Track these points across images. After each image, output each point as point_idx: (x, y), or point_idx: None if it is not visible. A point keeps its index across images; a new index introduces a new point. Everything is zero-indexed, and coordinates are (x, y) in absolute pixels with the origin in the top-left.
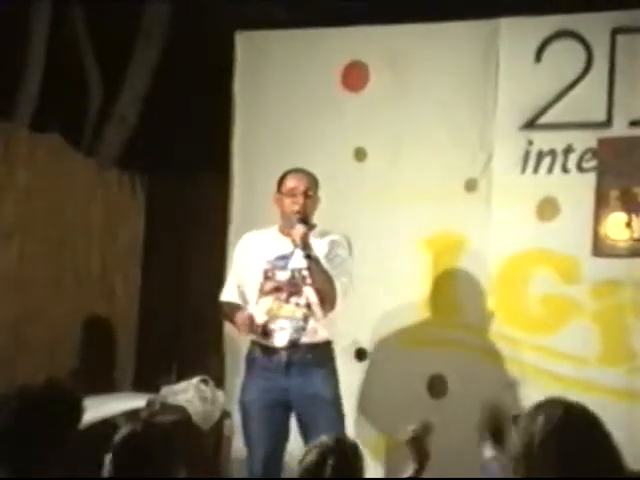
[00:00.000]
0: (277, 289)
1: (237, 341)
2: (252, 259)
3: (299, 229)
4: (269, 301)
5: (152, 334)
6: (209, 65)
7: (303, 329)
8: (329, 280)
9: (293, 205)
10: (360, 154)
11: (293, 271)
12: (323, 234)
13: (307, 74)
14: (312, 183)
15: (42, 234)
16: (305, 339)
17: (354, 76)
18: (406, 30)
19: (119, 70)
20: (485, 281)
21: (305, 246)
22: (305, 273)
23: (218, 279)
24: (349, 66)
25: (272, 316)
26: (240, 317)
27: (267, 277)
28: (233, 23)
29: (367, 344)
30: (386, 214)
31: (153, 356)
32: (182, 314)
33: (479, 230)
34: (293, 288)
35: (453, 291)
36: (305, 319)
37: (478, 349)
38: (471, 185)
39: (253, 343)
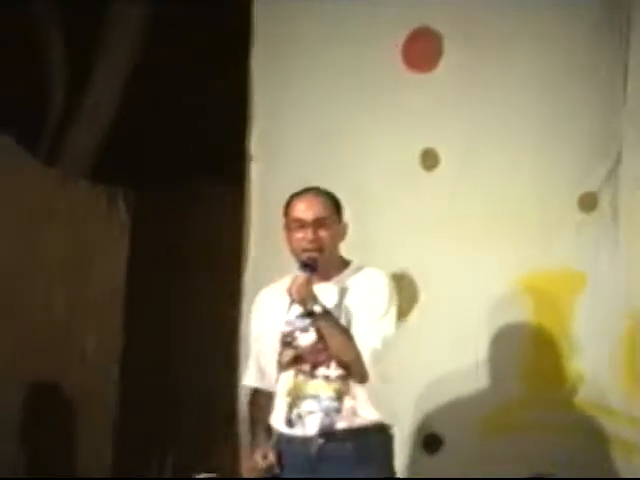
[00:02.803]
0: (298, 359)
1: None
2: (268, 322)
3: (297, 277)
4: (290, 377)
5: (138, 412)
6: (213, 39)
7: (337, 411)
8: (350, 343)
9: (301, 241)
10: (430, 159)
11: (318, 332)
12: (356, 271)
13: (354, 50)
14: (328, 208)
15: None
16: (342, 424)
17: (422, 49)
18: None
19: (89, 51)
20: (614, 339)
21: (305, 300)
22: None
23: (230, 334)
24: (414, 35)
25: (295, 397)
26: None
27: (285, 343)
28: None
29: (442, 429)
30: (467, 244)
31: (139, 442)
32: (180, 384)
33: (602, 265)
34: (318, 356)
35: (567, 354)
36: (339, 397)
37: (602, 439)
38: (589, 202)
39: (276, 435)
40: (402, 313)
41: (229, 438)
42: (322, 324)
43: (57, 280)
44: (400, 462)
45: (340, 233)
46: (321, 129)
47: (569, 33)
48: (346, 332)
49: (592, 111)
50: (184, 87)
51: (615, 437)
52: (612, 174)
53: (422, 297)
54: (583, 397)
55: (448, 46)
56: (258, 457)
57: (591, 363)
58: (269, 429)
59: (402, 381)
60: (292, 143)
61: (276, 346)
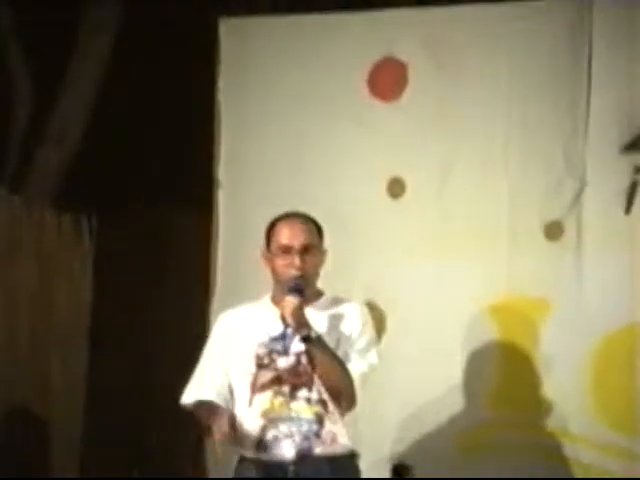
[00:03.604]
0: (277, 380)
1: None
2: (237, 343)
3: (289, 302)
4: (266, 398)
5: (103, 433)
6: (180, 60)
7: (317, 435)
8: (341, 369)
9: (287, 268)
10: (396, 187)
11: (298, 355)
12: (332, 302)
13: (321, 74)
14: (312, 234)
15: None
16: (319, 449)
17: (387, 79)
18: (457, 13)
19: (55, 70)
20: (578, 365)
21: (300, 325)
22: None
23: (193, 360)
24: (380, 65)
25: (272, 419)
26: (218, 423)
27: (262, 365)
28: (215, 6)
29: (411, 456)
30: (433, 272)
31: (104, 463)
32: (145, 407)
33: (567, 293)
34: (299, 378)
35: (532, 378)
36: (319, 421)
37: (563, 461)
38: (554, 230)
39: (243, 460)
40: None
41: (196, 459)
42: (315, 349)
43: (21, 308)
44: None
45: (321, 260)
46: (289, 154)
47: (533, 60)
48: (338, 358)
49: (557, 139)
50: (151, 111)
51: (575, 460)
52: (576, 202)
53: (389, 324)
54: (548, 421)
55: (412, 74)
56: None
57: (558, 387)
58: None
59: (370, 409)
60: (259, 168)
61: (249, 368)
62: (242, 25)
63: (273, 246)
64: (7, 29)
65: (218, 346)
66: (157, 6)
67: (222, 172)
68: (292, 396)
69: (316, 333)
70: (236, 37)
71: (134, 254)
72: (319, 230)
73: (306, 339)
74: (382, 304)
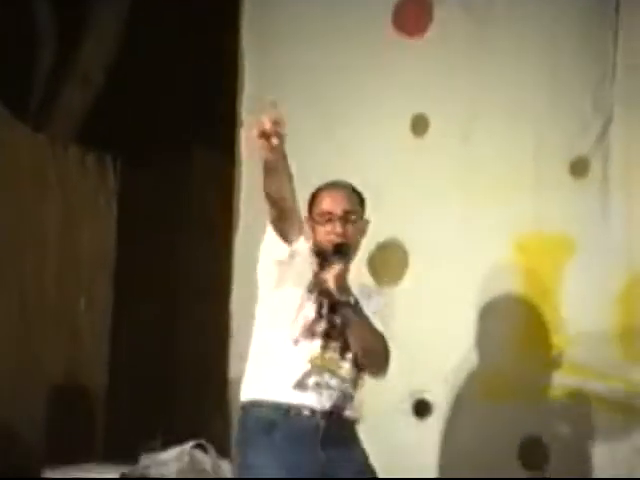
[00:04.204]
0: (329, 334)
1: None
2: (298, 274)
3: (333, 268)
4: (316, 346)
5: (128, 383)
6: (203, 4)
7: (351, 397)
8: (378, 335)
9: (329, 235)
10: (419, 125)
11: (345, 317)
12: (360, 285)
13: (343, 11)
14: (355, 203)
15: None
16: (349, 412)
17: (412, 14)
18: None
19: (79, 11)
20: (604, 302)
21: (341, 290)
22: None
23: (220, 302)
24: (406, 1)
25: (316, 366)
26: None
27: (319, 314)
28: None
29: (432, 395)
30: (458, 210)
31: (130, 413)
32: (170, 355)
33: (592, 231)
34: (345, 339)
35: (558, 317)
36: (354, 385)
37: (596, 401)
38: (580, 167)
39: (267, 406)
40: (393, 279)
41: (219, 406)
42: (352, 314)
43: (48, 247)
44: (390, 427)
45: (363, 229)
46: (311, 94)
47: (561, 4)
48: (374, 326)
49: (584, 75)
50: (174, 53)
51: (600, 397)
52: (603, 138)
53: (413, 262)
54: (575, 360)
55: (437, 9)
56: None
57: (583, 325)
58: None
59: (393, 347)
60: (282, 108)
61: (310, 310)
62: None
63: (315, 212)
64: None
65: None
66: None
67: (245, 112)
68: (342, 355)
69: (355, 299)
70: None
71: (158, 194)
72: (361, 200)
73: (345, 304)
74: (406, 243)
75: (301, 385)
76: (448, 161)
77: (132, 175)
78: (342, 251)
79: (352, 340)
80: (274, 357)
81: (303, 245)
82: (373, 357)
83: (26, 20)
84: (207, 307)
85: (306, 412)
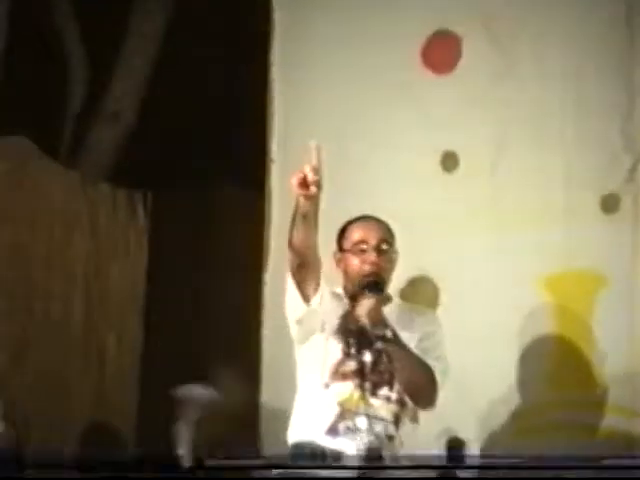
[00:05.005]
0: (360, 373)
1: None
2: (326, 317)
3: (367, 301)
4: (347, 388)
5: (158, 419)
6: (233, 39)
7: (390, 438)
8: (421, 366)
9: (362, 265)
10: (449, 161)
11: (380, 352)
12: (405, 308)
13: (373, 49)
14: (387, 233)
15: (2, 274)
16: (388, 452)
17: (441, 51)
18: None
19: (110, 48)
20: (634, 340)
21: (376, 323)
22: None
23: (249, 335)
24: (434, 38)
25: (348, 410)
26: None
27: (348, 354)
28: None
29: (468, 433)
30: (488, 246)
31: (158, 444)
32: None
33: (623, 267)
34: (381, 376)
35: (589, 354)
36: (396, 422)
37: (629, 439)
38: (610, 203)
39: (307, 450)
40: None
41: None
42: (392, 348)
43: (78, 283)
44: None
45: (394, 260)
46: (341, 129)
47: (588, 36)
48: (416, 356)
49: (613, 115)
50: (205, 88)
51: (635, 437)
52: (633, 174)
53: (443, 299)
54: (606, 398)
55: (466, 46)
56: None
57: (614, 363)
58: None
59: None
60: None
61: (337, 352)
62: (295, 2)
63: (346, 244)
64: (63, 8)
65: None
66: None
67: (275, 149)
68: (373, 392)
69: (393, 331)
70: (289, 12)
71: (188, 232)
72: (392, 233)
73: (382, 338)
74: (435, 278)
75: (333, 430)
76: (478, 196)
77: (162, 212)
78: (377, 286)
79: (396, 374)
80: (309, 403)
81: (324, 294)
82: (419, 389)
83: (58, 58)
84: (238, 339)
85: (334, 457)
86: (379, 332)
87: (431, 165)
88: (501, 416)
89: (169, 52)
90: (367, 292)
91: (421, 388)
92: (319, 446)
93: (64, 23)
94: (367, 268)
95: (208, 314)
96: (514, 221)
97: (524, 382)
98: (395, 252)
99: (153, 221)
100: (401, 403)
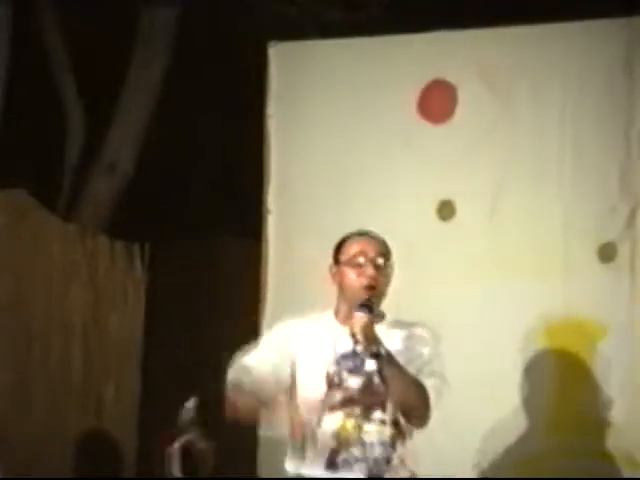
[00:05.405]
0: (349, 401)
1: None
2: (304, 352)
3: (360, 318)
4: (338, 419)
5: (156, 469)
6: (231, 90)
7: (387, 461)
8: (414, 384)
9: (360, 277)
10: (446, 210)
11: (370, 374)
12: (396, 325)
13: (370, 99)
14: (383, 247)
15: (2, 326)
16: (388, 475)
17: (437, 101)
18: (508, 35)
19: (108, 101)
20: (636, 388)
21: (370, 341)
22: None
23: None
24: (430, 87)
25: (343, 441)
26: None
27: (332, 385)
28: (265, 30)
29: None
30: (486, 295)
31: None
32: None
33: (621, 315)
34: (372, 398)
35: (590, 403)
36: (393, 444)
37: None
38: (608, 252)
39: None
40: None
41: None
42: (386, 366)
43: (76, 334)
44: None
45: (390, 275)
46: (339, 179)
47: (586, 81)
48: (410, 374)
49: (609, 156)
50: (200, 140)
51: None
52: (631, 223)
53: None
54: (609, 447)
55: (462, 96)
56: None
57: (616, 411)
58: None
59: (423, 435)
60: (309, 194)
61: (321, 386)
62: (291, 50)
63: (343, 258)
64: (61, 61)
65: (285, 346)
66: (206, 37)
67: (272, 199)
68: (366, 417)
69: (386, 350)
70: (285, 62)
71: (185, 280)
72: (388, 248)
73: (376, 356)
74: (433, 325)
75: (332, 465)
76: (475, 245)
77: (160, 262)
78: (368, 305)
79: (390, 393)
80: (308, 439)
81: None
82: (411, 408)
83: (55, 111)
84: None
85: None
86: (373, 349)
87: (427, 213)
88: (501, 465)
89: (166, 103)
90: (359, 310)
91: (414, 407)
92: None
93: (62, 75)
94: (365, 282)
95: (206, 362)
96: (512, 270)
97: (524, 431)
98: (391, 267)
99: (151, 271)
100: (395, 424)
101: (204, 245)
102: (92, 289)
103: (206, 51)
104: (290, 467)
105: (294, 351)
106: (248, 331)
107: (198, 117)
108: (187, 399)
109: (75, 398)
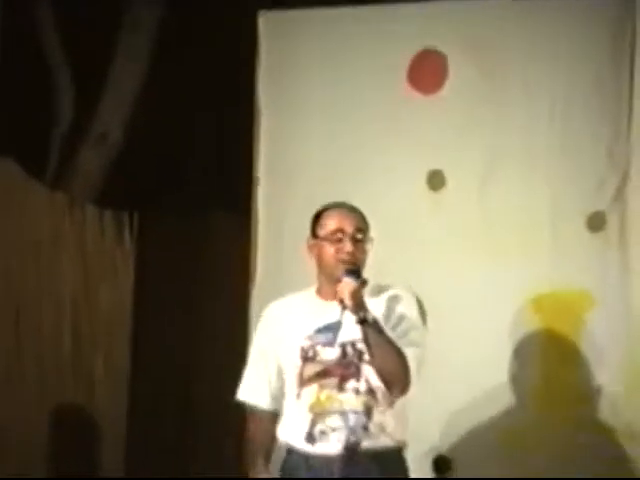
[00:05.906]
0: (324, 373)
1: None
2: (284, 336)
3: (347, 283)
4: (313, 391)
5: (146, 438)
6: (221, 59)
7: (365, 428)
8: (396, 352)
9: (338, 253)
10: (436, 180)
11: (344, 346)
12: (379, 290)
13: (359, 69)
14: (362, 222)
15: None
16: (368, 443)
17: (427, 71)
18: (499, 6)
19: (97, 70)
20: (623, 359)
21: (358, 307)
22: (361, 346)
23: (236, 360)
24: (419, 57)
25: (318, 413)
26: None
27: (307, 358)
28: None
29: (450, 451)
30: (475, 265)
31: (148, 466)
32: (188, 411)
33: (610, 285)
34: (347, 369)
35: (577, 374)
36: (367, 412)
37: (619, 459)
38: (597, 222)
39: (290, 452)
40: None
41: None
42: (371, 332)
43: (65, 305)
44: None
45: (368, 250)
46: (327, 151)
47: (576, 60)
48: (393, 342)
49: (598, 128)
50: (191, 111)
51: (624, 457)
52: (620, 193)
53: (430, 320)
54: (595, 417)
55: (452, 66)
56: None
57: (603, 382)
58: (269, 455)
59: (412, 403)
60: (299, 166)
61: (296, 361)
62: (281, 19)
63: (321, 231)
64: (48, 30)
65: (268, 341)
66: (196, 4)
67: (262, 170)
68: (340, 388)
69: (373, 317)
70: (275, 31)
71: (174, 253)
72: (366, 221)
73: (364, 321)
74: (421, 299)
75: (310, 437)
76: (464, 216)
77: (149, 234)
78: (356, 271)
79: (372, 360)
80: (287, 417)
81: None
82: (392, 377)
83: (44, 80)
84: (224, 363)
85: (320, 461)
86: (361, 314)
87: (418, 184)
88: (489, 437)
89: (156, 73)
90: (346, 276)
91: (395, 375)
92: (302, 452)
93: (50, 45)
94: (343, 257)
95: (196, 334)
96: (501, 242)
97: (513, 401)
98: (369, 241)
99: (140, 242)
100: (371, 392)
101: (194, 217)
102: (81, 260)
103: (195, 20)
104: (281, 435)
105: (277, 347)
106: (238, 303)
107: (188, 89)
108: (174, 370)
109: (64, 370)
